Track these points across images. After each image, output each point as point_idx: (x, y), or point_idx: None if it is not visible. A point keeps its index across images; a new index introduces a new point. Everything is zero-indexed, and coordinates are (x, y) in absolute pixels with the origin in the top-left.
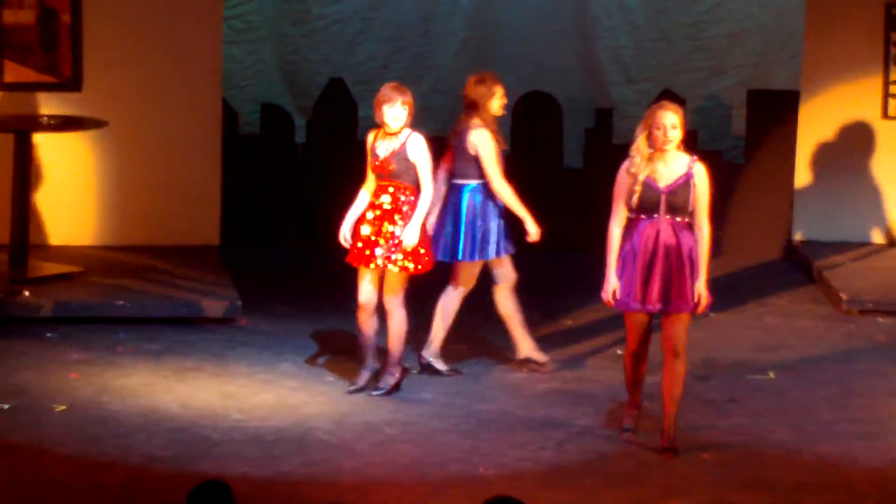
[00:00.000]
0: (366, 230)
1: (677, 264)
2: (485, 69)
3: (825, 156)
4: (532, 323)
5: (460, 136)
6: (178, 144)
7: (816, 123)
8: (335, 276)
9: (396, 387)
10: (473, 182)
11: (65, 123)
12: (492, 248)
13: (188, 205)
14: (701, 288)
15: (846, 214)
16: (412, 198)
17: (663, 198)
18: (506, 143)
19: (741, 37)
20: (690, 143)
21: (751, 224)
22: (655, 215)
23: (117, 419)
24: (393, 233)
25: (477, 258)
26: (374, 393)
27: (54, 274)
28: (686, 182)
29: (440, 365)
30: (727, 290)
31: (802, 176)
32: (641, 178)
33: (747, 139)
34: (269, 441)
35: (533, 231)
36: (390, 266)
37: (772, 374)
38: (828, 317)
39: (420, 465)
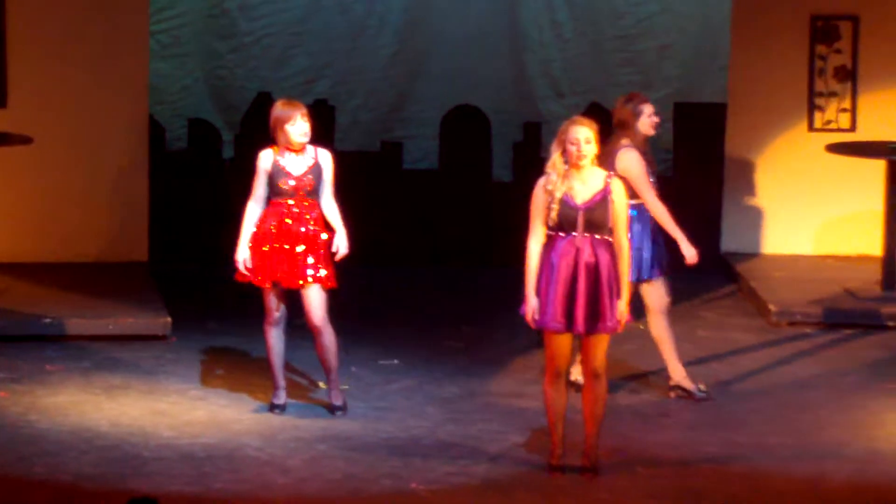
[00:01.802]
0: (289, 249)
1: (598, 284)
2: (418, 81)
3: (753, 168)
4: (460, 337)
5: (609, 157)
6: (106, 160)
7: (743, 136)
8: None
9: None
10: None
11: None
12: (644, 270)
13: (116, 221)
14: (622, 307)
15: (774, 226)
16: (320, 213)
17: (581, 215)
18: (655, 163)
19: (669, 50)
20: None
21: None
22: (574, 233)
23: (46, 438)
24: (321, 251)
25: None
26: (340, 413)
27: None
28: (603, 198)
29: (690, 385)
30: None
31: (730, 188)
32: (558, 195)
33: (675, 152)
34: (200, 458)
35: (689, 254)
36: (326, 283)
37: (703, 387)
38: (757, 329)
39: (352, 481)
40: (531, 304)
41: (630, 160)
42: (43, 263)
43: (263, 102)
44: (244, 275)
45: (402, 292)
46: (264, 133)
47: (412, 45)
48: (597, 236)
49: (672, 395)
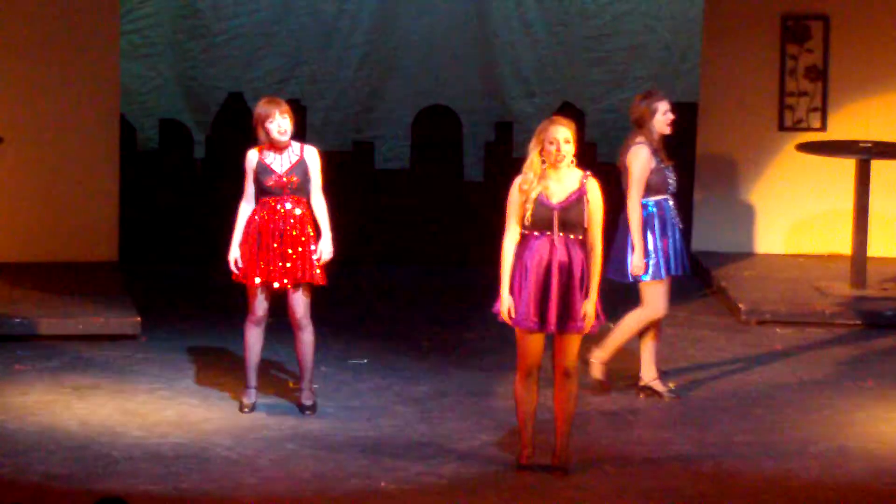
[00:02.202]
0: (276, 247)
1: (571, 284)
2: (389, 81)
3: (723, 167)
4: (431, 336)
5: (623, 154)
6: (76, 160)
7: (714, 135)
8: (235, 291)
9: None
10: (645, 200)
11: None
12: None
13: (86, 221)
14: (589, 307)
15: (744, 225)
16: (309, 212)
17: (556, 214)
18: (670, 159)
19: (640, 50)
20: (590, 156)
21: None
22: (548, 232)
23: (15, 437)
24: (310, 248)
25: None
26: (310, 413)
27: None
28: (579, 198)
29: (659, 387)
30: (628, 302)
31: (701, 187)
32: (534, 195)
33: None
34: (170, 458)
35: (636, 265)
36: (315, 281)
37: (671, 385)
38: (727, 327)
39: (321, 480)
40: (505, 302)
41: (635, 157)
42: (12, 263)
43: (235, 103)
44: (236, 274)
45: (373, 292)
46: (236, 133)
47: (383, 45)
48: (571, 236)
49: (642, 395)
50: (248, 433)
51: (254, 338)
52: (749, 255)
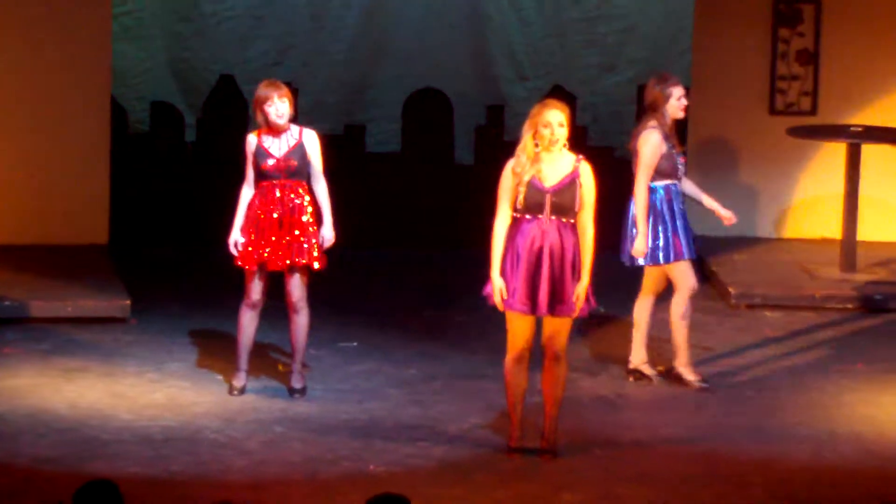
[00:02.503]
0: (275, 231)
1: (562, 267)
2: (381, 64)
3: (714, 150)
4: (423, 320)
5: (636, 137)
6: (67, 142)
7: (706, 118)
8: (225, 274)
9: None
10: (654, 184)
11: None
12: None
13: (76, 203)
14: (580, 291)
15: (735, 208)
16: (309, 196)
17: (548, 198)
18: (681, 145)
19: (632, 33)
20: (582, 140)
21: None
22: (540, 216)
23: (4, 420)
24: (309, 231)
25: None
26: (299, 396)
27: None
28: (572, 182)
29: (690, 375)
30: (617, 287)
31: (692, 170)
32: (526, 178)
33: None
34: (159, 441)
35: (637, 248)
36: (313, 264)
37: (661, 368)
38: (717, 311)
39: (311, 463)
40: (496, 284)
41: (645, 142)
42: (3, 245)
43: (226, 85)
44: (236, 257)
45: (364, 275)
46: (227, 116)
47: (375, 27)
48: (562, 220)
49: (631, 378)
50: (237, 416)
51: (247, 321)
52: (740, 238)
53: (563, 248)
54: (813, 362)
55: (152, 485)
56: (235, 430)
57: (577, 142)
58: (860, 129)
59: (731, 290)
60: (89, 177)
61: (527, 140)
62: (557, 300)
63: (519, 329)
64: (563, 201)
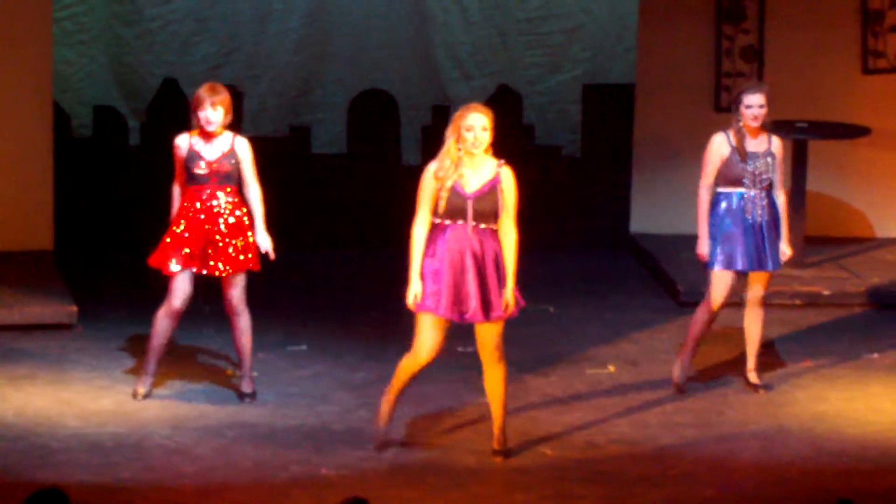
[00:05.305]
0: (202, 234)
1: (488, 273)
2: (325, 66)
3: (661, 148)
4: (372, 322)
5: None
6: (9, 148)
7: (652, 116)
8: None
9: None
10: (719, 190)
11: None
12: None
13: (20, 210)
14: (508, 296)
15: (683, 206)
16: (238, 198)
17: (470, 204)
18: (746, 154)
19: (577, 32)
20: (528, 139)
21: (589, 218)
22: (461, 221)
23: None
24: (241, 235)
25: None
26: (249, 400)
27: None
28: (492, 188)
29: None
30: (567, 285)
31: (639, 168)
32: (448, 183)
33: (583, 134)
34: (108, 447)
35: (700, 252)
36: (242, 268)
37: (612, 368)
38: (666, 309)
39: (262, 468)
40: (414, 288)
41: (710, 143)
42: None
43: (169, 89)
44: (156, 260)
45: (311, 277)
46: (171, 120)
47: (318, 28)
48: (483, 225)
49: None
50: (186, 422)
51: (164, 326)
52: (687, 236)
53: (484, 255)
54: (761, 359)
55: (102, 492)
56: (185, 435)
57: (523, 141)
58: (805, 125)
59: (679, 287)
60: (33, 183)
61: (450, 144)
62: (485, 306)
63: (431, 332)
64: (484, 207)
